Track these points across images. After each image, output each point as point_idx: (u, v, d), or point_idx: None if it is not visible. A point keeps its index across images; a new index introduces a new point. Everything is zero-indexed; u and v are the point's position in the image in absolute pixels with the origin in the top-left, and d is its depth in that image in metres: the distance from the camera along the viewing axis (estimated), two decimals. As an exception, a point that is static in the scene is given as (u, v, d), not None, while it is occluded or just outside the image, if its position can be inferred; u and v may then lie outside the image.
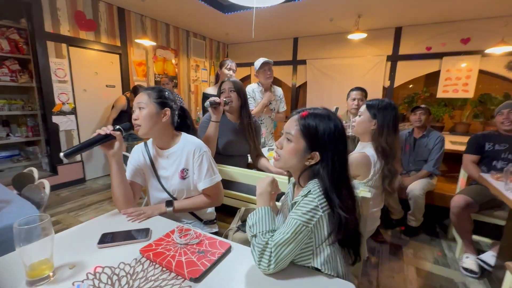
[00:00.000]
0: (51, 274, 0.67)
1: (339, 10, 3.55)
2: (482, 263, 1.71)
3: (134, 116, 1.02)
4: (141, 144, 1.17)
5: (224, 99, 1.42)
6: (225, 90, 1.49)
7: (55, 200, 2.85)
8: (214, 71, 5.57)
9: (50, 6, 2.91)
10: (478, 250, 1.91)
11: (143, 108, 1.01)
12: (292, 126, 0.77)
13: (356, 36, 3.80)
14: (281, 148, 0.80)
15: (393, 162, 1.32)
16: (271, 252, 0.68)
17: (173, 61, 4.58)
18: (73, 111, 3.25)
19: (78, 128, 3.32)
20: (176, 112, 1.12)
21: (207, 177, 1.08)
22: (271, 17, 3.82)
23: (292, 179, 0.89)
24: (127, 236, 0.86)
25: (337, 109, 1.46)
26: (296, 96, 5.36)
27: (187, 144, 1.09)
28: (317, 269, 0.75)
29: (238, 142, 1.56)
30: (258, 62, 2.21)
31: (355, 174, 1.29)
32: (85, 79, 3.38)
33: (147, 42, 3.60)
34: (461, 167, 2.12)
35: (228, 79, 1.52)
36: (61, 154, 0.88)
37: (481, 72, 3.76)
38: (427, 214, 2.15)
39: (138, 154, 1.14)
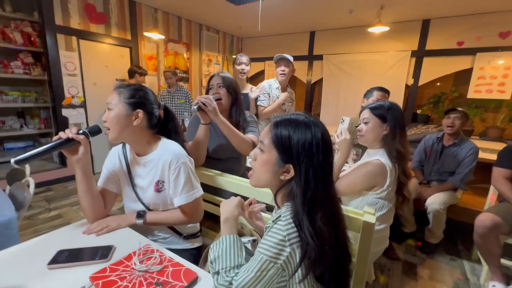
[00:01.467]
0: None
1: (360, 1, 3.26)
2: (512, 295, 1.47)
3: (103, 117, 0.91)
4: (119, 145, 1.06)
5: (213, 96, 1.26)
6: (213, 86, 1.34)
7: (62, 193, 2.88)
8: (227, 65, 5.45)
9: (61, -2, 2.90)
10: (508, 276, 1.66)
11: (111, 109, 0.89)
12: (265, 134, 0.68)
13: (378, 30, 3.50)
14: (254, 160, 0.69)
15: (406, 165, 1.23)
16: None
17: (185, 55, 4.51)
18: (83, 105, 3.27)
19: (87, 122, 3.35)
20: (156, 114, 0.99)
21: (183, 192, 0.95)
22: (286, 9, 3.61)
23: None
24: (84, 255, 0.76)
25: (343, 120, 1.28)
26: (311, 93, 5.11)
27: (164, 153, 0.96)
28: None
29: (229, 144, 1.42)
30: (276, 56, 2.08)
31: (373, 184, 1.16)
32: (95, 73, 3.38)
33: (158, 36, 3.53)
34: (491, 182, 1.85)
35: (217, 73, 1.37)
36: (12, 161, 0.78)
37: (521, 70, 3.33)
38: (449, 229, 1.91)
39: (114, 158, 1.03)
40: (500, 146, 2.58)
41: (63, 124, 3.12)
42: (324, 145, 0.63)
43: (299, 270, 0.57)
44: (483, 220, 1.55)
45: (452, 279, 1.73)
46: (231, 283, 0.57)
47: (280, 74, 2.12)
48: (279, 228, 0.58)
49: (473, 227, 1.59)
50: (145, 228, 0.98)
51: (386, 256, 1.91)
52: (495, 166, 1.74)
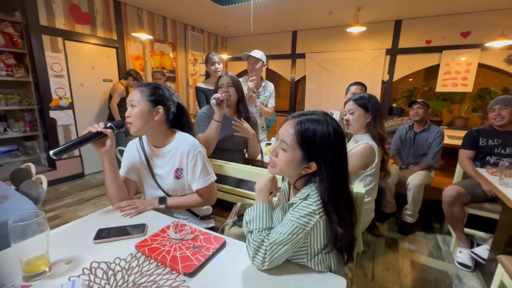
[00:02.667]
0: (47, 269, 0.68)
1: (338, 3, 3.50)
2: (475, 257, 1.74)
3: (126, 113, 1.02)
4: (136, 139, 1.16)
5: (223, 94, 1.41)
6: (223, 85, 1.49)
7: (54, 195, 2.86)
8: (212, 65, 5.52)
9: (45, -1, 2.86)
10: (472, 243, 1.94)
11: (135, 106, 1.00)
12: (287, 133, 0.71)
13: (356, 30, 3.76)
14: (276, 156, 0.75)
15: (385, 145, 1.45)
16: (266, 250, 0.69)
17: (171, 54, 4.54)
18: (71, 106, 3.24)
19: (75, 123, 3.32)
20: (172, 110, 1.10)
21: (201, 177, 1.08)
22: (269, 10, 3.77)
23: (286, 178, 0.89)
24: (123, 232, 0.87)
25: (332, 113, 1.48)
26: (295, 90, 5.33)
27: (182, 144, 1.08)
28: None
29: (234, 136, 1.56)
30: (246, 54, 2.21)
31: (367, 164, 1.36)
32: (82, 73, 3.35)
33: (144, 36, 3.56)
34: (457, 162, 2.13)
35: (225, 74, 1.52)
36: (51, 153, 0.87)
37: (481, 66, 3.74)
38: (423, 208, 2.17)
39: (133, 150, 1.14)
40: (465, 133, 2.92)
41: (51, 126, 3.08)
42: (343, 141, 0.71)
43: (327, 247, 0.69)
44: (449, 190, 1.82)
45: (427, 249, 1.99)
46: (263, 241, 0.69)
47: (250, 70, 2.25)
48: (310, 203, 0.68)
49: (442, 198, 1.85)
50: (168, 212, 1.10)
51: (371, 233, 2.14)
52: (460, 149, 2.02)
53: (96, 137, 0.95)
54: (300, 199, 0.71)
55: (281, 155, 0.73)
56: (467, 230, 1.91)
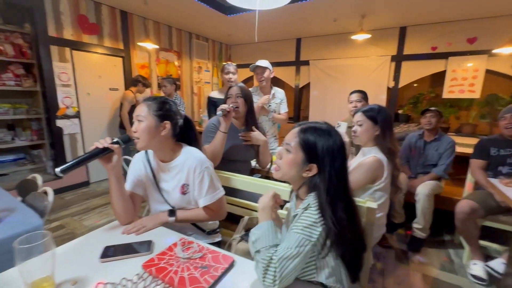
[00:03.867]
0: (52, 291, 0.66)
1: (343, 11, 3.51)
2: (490, 270, 1.68)
3: (133, 128, 1.00)
4: (142, 153, 1.15)
5: (231, 105, 1.40)
6: (232, 95, 1.48)
7: (59, 204, 2.87)
8: (216, 72, 5.57)
9: (53, 10, 2.92)
10: (486, 256, 1.88)
11: (142, 121, 0.99)
12: (292, 138, 0.79)
13: (360, 37, 3.76)
14: (280, 159, 0.81)
15: (396, 160, 1.39)
16: (275, 268, 0.67)
17: (176, 63, 4.59)
18: (77, 115, 3.27)
19: (82, 132, 3.34)
20: (179, 123, 1.09)
21: (208, 194, 1.06)
22: (273, 18, 3.80)
23: (293, 195, 0.89)
24: (129, 250, 0.85)
25: (339, 125, 1.44)
26: (299, 97, 5.33)
27: (189, 159, 1.06)
28: (322, 285, 0.74)
29: (242, 147, 1.55)
30: (252, 65, 2.20)
31: (375, 178, 1.31)
32: (89, 83, 3.39)
33: (150, 45, 3.60)
34: (468, 171, 2.08)
35: (236, 84, 1.51)
36: (58, 170, 0.86)
37: (488, 72, 3.70)
38: (434, 219, 2.10)
39: (139, 164, 1.12)
40: (473, 141, 2.85)
41: (57, 135, 3.11)
42: (343, 149, 0.76)
43: (324, 249, 0.70)
44: (462, 206, 1.76)
45: (439, 261, 1.93)
46: (272, 258, 0.68)
47: (260, 80, 2.24)
48: (311, 213, 0.71)
49: (454, 214, 1.79)
50: (174, 227, 1.08)
51: (380, 245, 2.08)
52: (471, 158, 1.97)
53: (102, 153, 0.94)
54: (302, 209, 0.74)
55: (285, 157, 0.79)
56: (481, 242, 1.85)
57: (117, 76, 3.72)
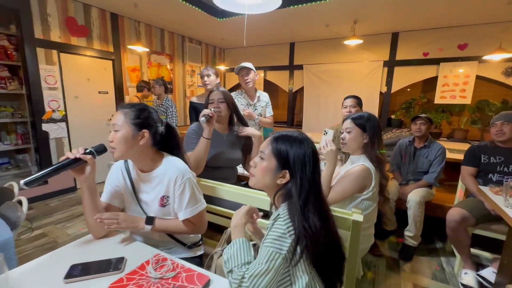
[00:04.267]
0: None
1: (335, 16, 3.51)
2: (481, 280, 1.65)
3: (109, 137, 0.95)
4: (121, 162, 1.09)
5: (213, 109, 1.35)
6: (214, 100, 1.43)
7: (44, 211, 2.77)
8: (210, 76, 5.52)
9: (40, 12, 2.85)
10: (477, 264, 1.85)
11: (118, 131, 0.93)
12: (266, 146, 0.82)
13: (352, 42, 3.76)
14: (255, 167, 0.83)
15: (384, 169, 1.37)
16: (247, 286, 0.64)
17: (168, 66, 4.53)
18: (64, 119, 3.18)
19: (69, 136, 3.26)
20: (160, 131, 1.03)
21: (188, 207, 1.00)
22: (267, 22, 3.79)
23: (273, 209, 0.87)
24: (98, 268, 0.79)
25: (326, 132, 1.40)
26: (293, 101, 5.31)
27: (170, 169, 1.00)
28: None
29: (226, 153, 1.50)
30: (236, 67, 2.17)
31: (362, 187, 1.29)
32: (77, 86, 3.32)
33: (141, 48, 3.55)
34: (459, 177, 2.06)
35: (217, 88, 1.47)
36: (22, 183, 0.80)
37: (479, 78, 3.73)
38: (425, 226, 2.07)
39: (117, 174, 1.07)
40: (465, 146, 2.86)
41: (43, 139, 3.02)
42: (314, 156, 0.78)
43: (296, 256, 0.68)
44: (453, 214, 1.73)
45: (430, 270, 1.90)
46: (243, 277, 0.65)
47: (245, 82, 2.19)
48: (280, 224, 0.70)
49: (445, 222, 1.77)
50: (152, 241, 1.02)
51: (371, 253, 2.04)
52: (462, 165, 1.95)
53: (74, 164, 0.88)
54: (272, 220, 0.74)
55: (259, 165, 0.81)
56: (472, 250, 1.82)
57: (107, 79, 3.65)
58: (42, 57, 2.92)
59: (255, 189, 1.24)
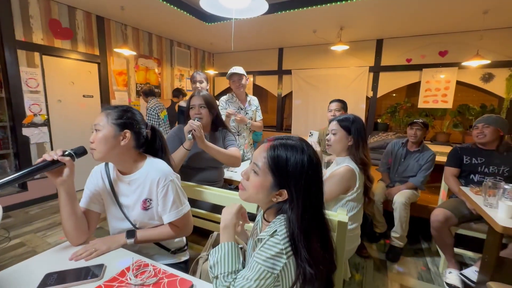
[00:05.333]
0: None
1: (322, 22, 3.59)
2: (465, 279, 1.69)
3: (90, 138, 0.92)
4: (102, 164, 1.06)
5: (195, 118, 1.35)
6: (194, 106, 1.42)
7: (23, 219, 2.65)
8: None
9: (22, 13, 2.77)
10: (461, 263, 1.90)
11: (99, 130, 0.91)
12: (260, 157, 0.68)
13: (339, 48, 3.85)
14: (247, 180, 0.71)
15: (369, 171, 1.38)
16: None
17: (156, 70, 4.49)
18: (46, 123, 3.08)
19: (51, 141, 3.15)
20: (144, 134, 1.01)
21: (173, 209, 0.98)
22: (256, 27, 3.83)
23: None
24: (75, 276, 0.76)
25: (311, 134, 1.42)
26: (282, 105, 5.36)
27: (152, 171, 0.98)
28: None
29: (207, 154, 1.48)
30: (228, 73, 2.16)
31: (347, 188, 1.29)
32: (60, 89, 3.22)
33: (128, 52, 3.50)
34: (442, 178, 2.12)
35: (198, 93, 1.45)
36: None
37: (459, 83, 3.88)
38: (411, 228, 2.10)
39: (96, 177, 1.03)
40: (447, 149, 2.95)
41: (23, 144, 2.90)
42: (318, 169, 0.67)
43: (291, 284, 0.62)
44: (437, 215, 1.78)
45: (416, 270, 1.93)
46: None
47: (237, 87, 2.19)
48: (276, 242, 0.62)
49: (430, 223, 1.81)
50: (135, 247, 0.99)
51: (359, 254, 2.06)
52: (445, 166, 2.01)
53: (51, 166, 0.85)
54: (267, 235, 0.64)
55: (252, 179, 0.69)
56: (456, 250, 1.87)
57: (92, 83, 3.57)
58: (23, 59, 2.83)
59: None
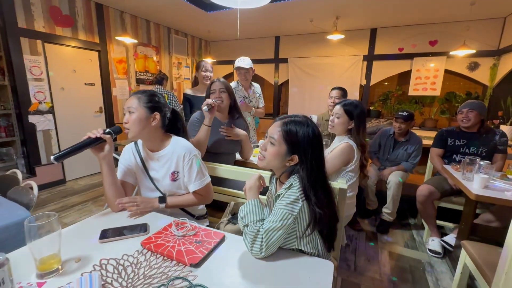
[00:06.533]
0: (59, 267, 0.73)
1: (318, 12, 3.69)
2: (444, 244, 1.94)
3: (124, 119, 1.06)
4: (131, 144, 1.21)
5: (215, 100, 1.48)
6: (215, 90, 1.55)
7: (35, 202, 2.76)
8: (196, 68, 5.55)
9: (23, 1, 2.78)
10: (443, 233, 2.14)
11: (133, 113, 1.04)
12: (275, 131, 0.86)
13: (335, 37, 3.97)
14: (265, 150, 0.88)
15: (366, 153, 1.56)
16: (262, 238, 0.78)
17: (155, 58, 4.52)
18: (51, 110, 3.14)
19: (56, 128, 3.22)
20: (168, 115, 1.16)
21: (197, 179, 1.14)
22: (253, 16, 3.89)
23: (274, 175, 1.00)
24: (126, 231, 0.92)
25: (310, 118, 1.59)
26: (279, 94, 5.49)
27: (177, 148, 1.13)
28: (300, 250, 0.86)
29: (226, 140, 1.63)
30: (235, 63, 2.26)
31: (348, 160, 1.47)
32: (63, 77, 3.27)
33: (128, 40, 3.53)
34: (428, 159, 2.34)
35: (217, 79, 1.58)
36: (52, 158, 0.90)
37: (447, 72, 4.09)
38: (399, 203, 2.33)
39: (129, 155, 1.18)
40: (434, 134, 3.17)
41: (30, 131, 2.98)
42: (320, 139, 0.87)
43: (308, 229, 0.81)
44: (422, 190, 2.00)
45: (403, 240, 2.17)
46: (259, 230, 0.79)
47: (242, 79, 2.31)
48: (293, 191, 0.81)
49: (416, 197, 2.03)
50: (165, 213, 1.15)
51: (353, 228, 2.29)
52: (431, 147, 2.22)
53: (94, 143, 0.99)
54: (285, 189, 0.83)
55: (269, 149, 0.86)
56: (438, 222, 2.11)
57: (93, 71, 3.62)
58: (26, 47, 2.86)
59: (257, 168, 1.40)
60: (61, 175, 3.32)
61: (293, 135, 0.83)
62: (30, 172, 3.06)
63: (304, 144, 0.82)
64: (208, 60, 5.53)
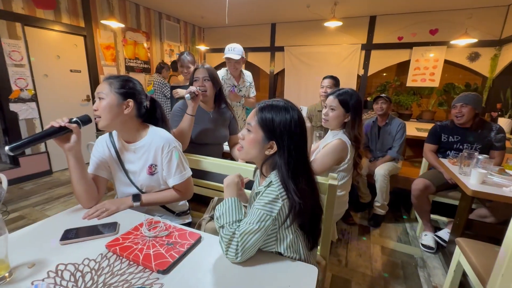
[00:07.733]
0: (7, 274, 0.64)
1: (316, -3, 3.52)
2: (438, 239, 1.89)
3: (94, 106, 0.96)
4: (106, 135, 1.11)
5: (199, 88, 1.37)
6: (198, 78, 1.44)
7: (18, 194, 2.67)
8: (189, 56, 5.37)
9: (-1, -21, 2.59)
10: (436, 228, 2.10)
11: (103, 99, 0.94)
12: (252, 117, 0.80)
13: (332, 24, 3.81)
14: (243, 139, 0.82)
15: (360, 148, 1.44)
16: (238, 242, 0.70)
17: (145, 44, 4.34)
18: (34, 98, 3.00)
19: (40, 116, 3.09)
20: (145, 104, 1.06)
21: (177, 173, 1.05)
22: (248, 1, 3.71)
23: (257, 173, 0.92)
24: (92, 231, 0.83)
25: (300, 109, 1.47)
26: (274, 83, 5.35)
27: (155, 139, 1.04)
28: (280, 254, 0.79)
29: (212, 130, 1.54)
30: (225, 51, 2.12)
31: (340, 159, 1.37)
32: (46, 63, 3.10)
33: (115, 24, 3.35)
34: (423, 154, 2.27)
35: (202, 66, 1.47)
36: (7, 148, 0.80)
37: (446, 62, 3.98)
38: (393, 196, 2.29)
39: (102, 146, 1.08)
40: (431, 126, 3.10)
41: (12, 120, 2.84)
42: (300, 124, 0.78)
43: (288, 220, 0.74)
44: (417, 183, 1.94)
45: (396, 234, 2.13)
46: (234, 233, 0.71)
47: (232, 69, 2.19)
48: (273, 190, 0.73)
49: (411, 192, 1.97)
50: (142, 209, 1.07)
51: (345, 222, 2.24)
52: (425, 142, 2.15)
53: (59, 132, 0.89)
54: (264, 187, 0.76)
55: (247, 137, 0.81)
56: (432, 216, 2.06)
57: (79, 57, 3.45)
58: (4, 30, 2.68)
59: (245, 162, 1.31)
60: (47, 166, 3.21)
61: (269, 120, 0.77)
62: (14, 163, 2.95)
63: (281, 129, 0.76)
64: (202, 48, 5.38)
